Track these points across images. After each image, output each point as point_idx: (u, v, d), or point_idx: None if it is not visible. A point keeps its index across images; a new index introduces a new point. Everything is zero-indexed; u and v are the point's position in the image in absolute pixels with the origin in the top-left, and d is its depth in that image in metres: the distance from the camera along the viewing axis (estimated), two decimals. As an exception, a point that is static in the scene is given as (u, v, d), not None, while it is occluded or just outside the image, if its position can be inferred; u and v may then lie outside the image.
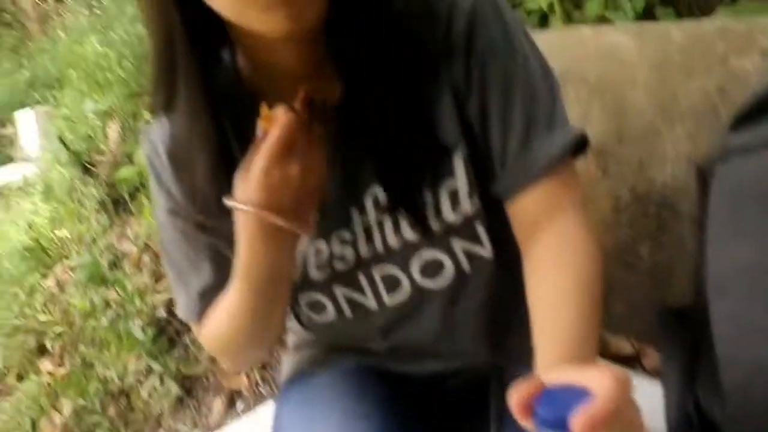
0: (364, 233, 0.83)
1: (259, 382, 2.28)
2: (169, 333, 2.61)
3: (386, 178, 0.78)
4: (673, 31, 1.17)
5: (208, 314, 0.87)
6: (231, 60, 0.80)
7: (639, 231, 1.18)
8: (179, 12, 0.69)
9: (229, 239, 0.77)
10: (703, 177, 0.72)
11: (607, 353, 1.73)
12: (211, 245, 0.84)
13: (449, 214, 0.80)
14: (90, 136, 3.96)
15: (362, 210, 0.82)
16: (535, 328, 0.72)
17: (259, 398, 2.26)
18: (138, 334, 2.55)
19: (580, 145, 0.79)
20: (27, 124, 6.40)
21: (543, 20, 2.52)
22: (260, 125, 0.69)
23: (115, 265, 3.02)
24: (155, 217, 0.90)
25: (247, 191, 0.68)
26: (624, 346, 1.65)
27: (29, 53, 8.17)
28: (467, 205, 0.80)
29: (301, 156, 0.68)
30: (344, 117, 0.77)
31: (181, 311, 0.90)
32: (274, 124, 0.67)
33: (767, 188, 0.64)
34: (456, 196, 0.80)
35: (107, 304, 2.85)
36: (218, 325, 0.84)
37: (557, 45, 1.31)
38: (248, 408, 2.25)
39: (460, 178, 0.79)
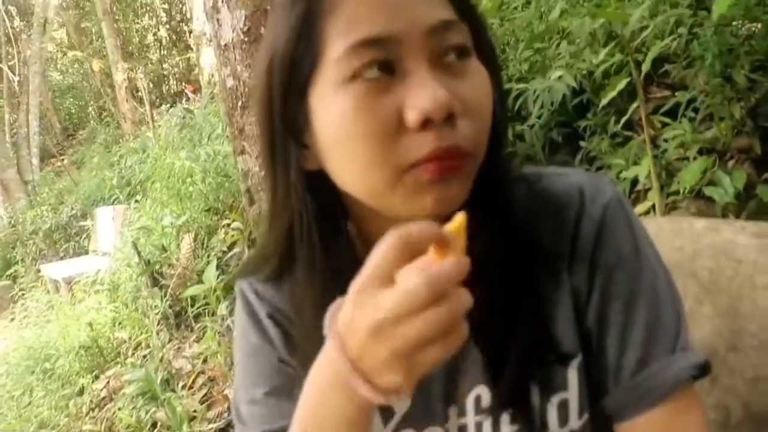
0: None
1: None
2: (213, 466, 2.50)
3: (496, 377, 0.72)
4: (800, 237, 1.08)
5: None
6: (346, 232, 0.75)
7: (752, 455, 1.05)
8: (311, 192, 0.66)
9: None
10: None
11: None
12: None
13: (555, 429, 0.73)
14: (164, 248, 4.01)
15: (462, 409, 0.75)
16: None
17: None
18: (181, 462, 2.44)
19: (702, 371, 0.72)
20: (105, 221, 6.62)
21: (633, 185, 2.47)
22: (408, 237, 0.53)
23: (167, 383, 2.95)
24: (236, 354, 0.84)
25: (352, 335, 0.55)
26: None
27: (120, 153, 8.57)
28: (575, 420, 0.73)
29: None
30: None
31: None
32: (443, 255, 0.53)
33: None
34: (565, 410, 0.73)
35: (154, 424, 2.77)
36: None
37: (667, 233, 1.23)
38: None
39: (573, 390, 0.72)
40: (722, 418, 1.08)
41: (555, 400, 0.72)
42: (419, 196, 0.60)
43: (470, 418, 0.74)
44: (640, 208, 2.14)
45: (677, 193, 2.20)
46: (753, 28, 2.55)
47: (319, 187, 0.67)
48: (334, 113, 0.60)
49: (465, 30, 0.63)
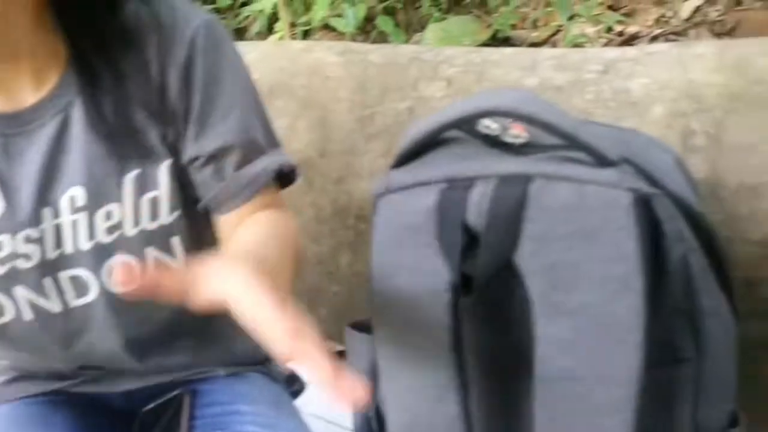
0: (55, 234, 0.78)
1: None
2: None
3: (89, 176, 0.76)
4: (373, 54, 1.24)
5: None
6: None
7: (339, 242, 1.24)
8: None
9: None
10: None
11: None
12: None
13: (147, 223, 0.79)
14: None
15: (56, 210, 0.78)
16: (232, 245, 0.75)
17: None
18: None
19: (291, 169, 0.83)
20: None
21: (272, 20, 2.55)
22: None
23: None
24: None
25: None
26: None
27: None
28: (166, 216, 0.80)
29: None
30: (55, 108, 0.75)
31: None
32: None
33: (420, 221, 0.70)
34: (156, 206, 0.79)
35: None
36: None
37: (270, 58, 1.34)
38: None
39: (164, 189, 0.79)
40: (316, 215, 1.26)
41: (147, 197, 0.78)
42: None
43: (65, 218, 0.78)
44: (273, 39, 2.24)
45: (308, 24, 2.34)
46: None
47: None
48: None
49: None
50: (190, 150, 0.79)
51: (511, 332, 0.70)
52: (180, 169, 0.80)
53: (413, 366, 0.73)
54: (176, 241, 0.82)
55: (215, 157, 0.79)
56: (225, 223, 0.82)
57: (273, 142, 0.83)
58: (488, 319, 0.71)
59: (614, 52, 1.08)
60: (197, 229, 0.83)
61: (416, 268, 0.70)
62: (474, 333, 0.72)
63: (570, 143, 0.64)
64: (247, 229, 0.78)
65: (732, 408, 0.76)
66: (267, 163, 0.80)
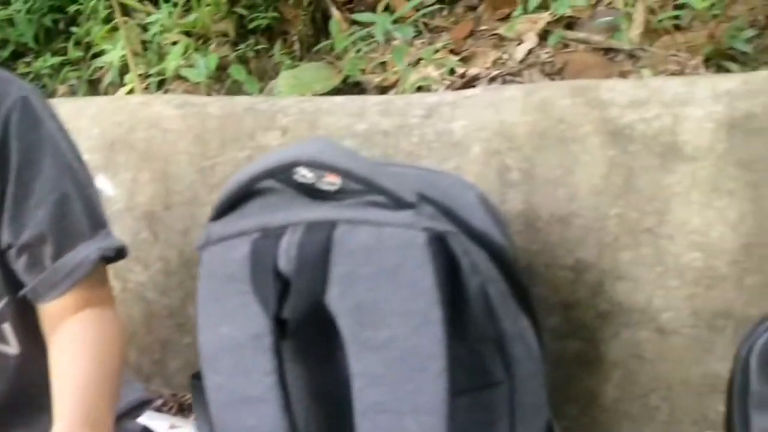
0: None
1: None
2: None
3: None
4: (211, 106, 1.26)
5: None
6: None
7: (188, 293, 1.24)
8: None
9: None
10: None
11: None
12: None
13: None
14: None
15: None
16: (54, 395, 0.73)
17: None
18: None
19: (117, 251, 0.81)
20: None
21: (124, 71, 2.53)
22: None
23: None
24: None
25: None
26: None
27: None
28: None
29: None
30: None
31: None
32: None
33: (236, 270, 0.73)
34: None
35: None
36: None
37: (108, 113, 1.33)
38: None
39: None
40: (164, 267, 1.26)
41: None
42: None
43: None
44: (123, 91, 2.22)
45: (162, 74, 2.33)
46: None
47: None
48: None
49: None
50: (5, 237, 0.76)
51: (331, 370, 0.74)
52: (3, 254, 0.78)
53: (241, 412, 0.74)
54: (7, 328, 0.80)
55: (30, 246, 0.76)
56: (47, 312, 0.79)
57: (97, 224, 0.80)
58: (309, 359, 0.75)
59: (435, 97, 1.16)
60: (29, 314, 0.80)
61: (236, 316, 0.73)
62: (297, 374, 0.75)
63: (368, 188, 0.69)
64: (64, 363, 0.75)
65: (546, 420, 0.82)
66: (88, 251, 0.77)
